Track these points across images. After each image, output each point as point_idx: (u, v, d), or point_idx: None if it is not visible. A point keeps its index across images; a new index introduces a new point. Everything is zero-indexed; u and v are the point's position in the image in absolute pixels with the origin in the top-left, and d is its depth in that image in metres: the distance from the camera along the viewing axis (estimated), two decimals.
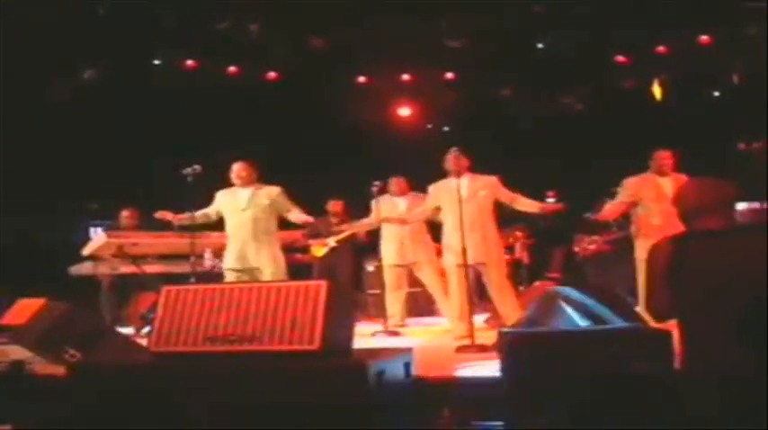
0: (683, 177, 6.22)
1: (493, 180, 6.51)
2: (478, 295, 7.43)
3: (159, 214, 6.53)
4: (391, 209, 7.38)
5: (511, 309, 6.18)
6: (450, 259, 6.32)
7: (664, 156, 6.46)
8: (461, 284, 6.17)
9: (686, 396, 2.71)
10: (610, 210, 6.75)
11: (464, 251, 5.88)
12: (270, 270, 6.43)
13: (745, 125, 8.29)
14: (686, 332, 2.73)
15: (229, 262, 6.55)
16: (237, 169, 6.60)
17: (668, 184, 6.26)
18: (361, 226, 7.82)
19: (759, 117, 8.36)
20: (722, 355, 2.58)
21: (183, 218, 6.52)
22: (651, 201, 6.35)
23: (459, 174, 6.19)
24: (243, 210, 6.50)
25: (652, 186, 6.41)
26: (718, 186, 2.91)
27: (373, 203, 7.35)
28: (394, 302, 7.45)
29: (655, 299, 2.84)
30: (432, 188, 6.63)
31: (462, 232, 5.90)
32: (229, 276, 6.51)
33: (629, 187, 6.53)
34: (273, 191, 6.63)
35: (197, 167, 6.31)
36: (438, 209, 6.57)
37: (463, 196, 6.06)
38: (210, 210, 6.69)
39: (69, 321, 4.90)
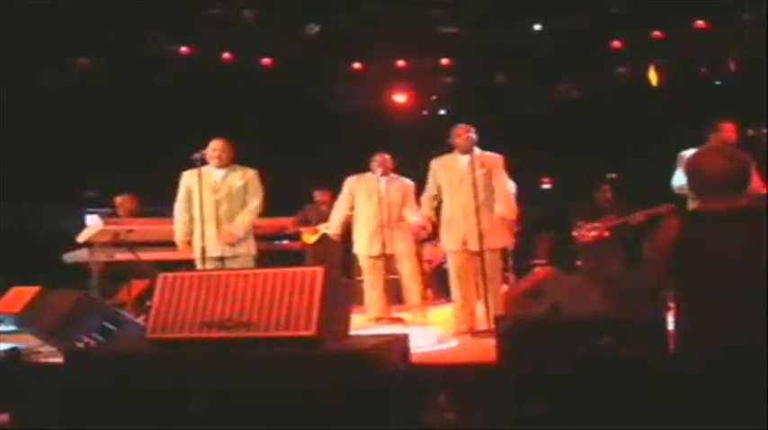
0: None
1: (496, 158, 6.04)
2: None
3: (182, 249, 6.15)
4: (370, 189, 6.92)
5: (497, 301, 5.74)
6: (449, 244, 6.02)
7: (728, 128, 5.96)
8: (459, 272, 5.94)
9: (680, 375, 2.71)
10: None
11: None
12: (240, 259, 5.95)
13: (744, 111, 8.28)
14: (685, 311, 2.73)
15: (200, 249, 5.96)
16: (218, 148, 6.04)
17: None
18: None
19: (757, 104, 8.35)
20: (720, 333, 2.59)
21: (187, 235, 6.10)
22: None
23: (467, 151, 5.89)
24: (216, 191, 5.97)
25: None
26: (744, 159, 2.79)
27: (347, 183, 7.01)
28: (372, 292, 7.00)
29: (650, 271, 2.83)
30: (432, 163, 6.14)
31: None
32: (199, 265, 5.93)
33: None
34: (249, 172, 6.15)
35: (205, 153, 6.01)
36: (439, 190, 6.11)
37: (461, 175, 5.84)
38: (184, 200, 6.12)
39: (84, 309, 4.90)
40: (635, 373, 3.19)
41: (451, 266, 6.08)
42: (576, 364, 3.40)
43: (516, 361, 3.55)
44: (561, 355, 3.44)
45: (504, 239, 6.17)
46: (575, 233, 8.42)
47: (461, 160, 5.94)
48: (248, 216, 6.09)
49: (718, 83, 10.38)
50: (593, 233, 8.23)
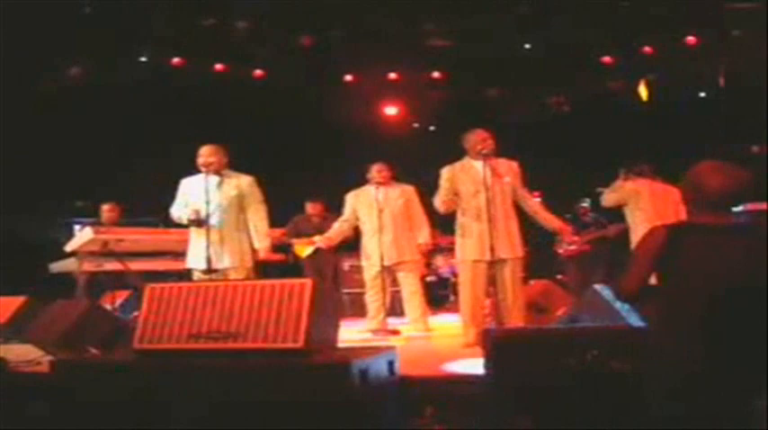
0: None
1: (516, 169, 5.91)
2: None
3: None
4: (369, 200, 6.77)
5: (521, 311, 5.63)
6: (467, 253, 5.75)
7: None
8: (476, 282, 5.70)
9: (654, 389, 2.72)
10: None
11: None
12: (233, 273, 5.64)
13: (736, 127, 8.38)
14: (667, 321, 2.72)
15: (195, 261, 5.70)
16: (205, 154, 5.72)
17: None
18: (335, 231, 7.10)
19: (745, 119, 8.44)
20: (693, 351, 2.59)
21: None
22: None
23: (483, 157, 5.61)
24: (210, 201, 5.59)
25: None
26: (743, 175, 2.77)
27: (348, 199, 6.92)
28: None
29: (631, 279, 2.80)
30: (446, 171, 5.83)
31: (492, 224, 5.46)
32: (196, 277, 5.67)
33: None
34: (244, 180, 5.85)
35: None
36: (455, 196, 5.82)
37: (487, 182, 5.51)
38: (181, 205, 5.84)
39: (89, 320, 4.92)
40: (622, 387, 3.20)
41: (465, 277, 5.78)
42: (563, 378, 3.41)
43: (504, 374, 3.55)
44: (549, 368, 3.44)
45: (522, 248, 5.88)
46: (558, 248, 8.58)
47: (479, 167, 5.66)
48: (262, 222, 5.85)
49: (702, 94, 10.48)
50: (575, 247, 8.39)
